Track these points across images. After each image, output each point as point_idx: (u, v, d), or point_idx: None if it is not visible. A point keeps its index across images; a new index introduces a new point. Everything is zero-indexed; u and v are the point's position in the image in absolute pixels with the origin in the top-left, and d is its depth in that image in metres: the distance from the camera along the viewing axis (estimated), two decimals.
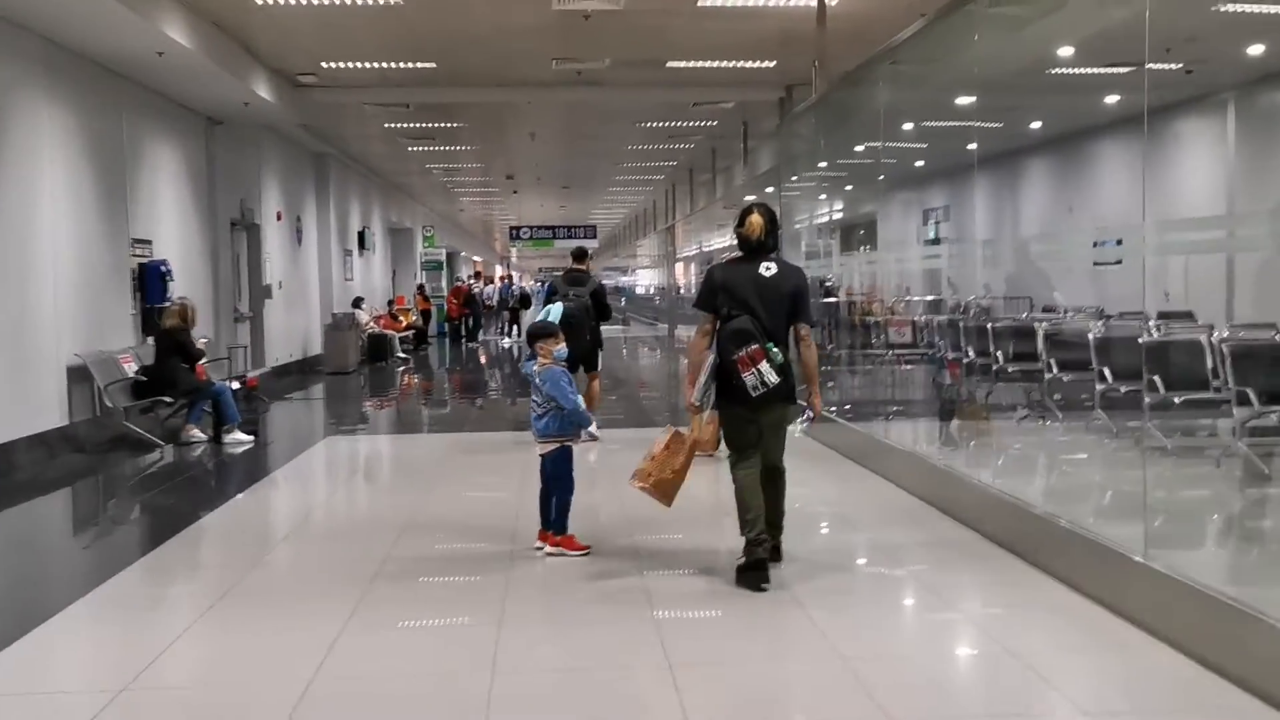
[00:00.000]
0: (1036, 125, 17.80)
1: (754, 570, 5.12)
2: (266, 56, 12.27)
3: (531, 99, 14.63)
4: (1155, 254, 5.69)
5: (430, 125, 17.39)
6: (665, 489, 5.40)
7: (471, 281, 30.62)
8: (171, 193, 12.72)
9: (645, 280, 59.62)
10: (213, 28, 10.68)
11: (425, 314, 26.22)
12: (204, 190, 13.84)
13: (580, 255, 10.34)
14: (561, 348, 5.96)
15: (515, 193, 29.51)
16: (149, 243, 11.83)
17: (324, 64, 12.64)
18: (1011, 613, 4.84)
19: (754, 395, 5.18)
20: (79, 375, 10.00)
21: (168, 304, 10.88)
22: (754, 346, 5.17)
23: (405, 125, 17.27)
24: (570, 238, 32.62)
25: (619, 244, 52.43)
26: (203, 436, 10.44)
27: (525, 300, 28.29)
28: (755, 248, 5.37)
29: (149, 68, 10.77)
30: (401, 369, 20.36)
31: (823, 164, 12.72)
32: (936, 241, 23.44)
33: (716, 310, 5.31)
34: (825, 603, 4.87)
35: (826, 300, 25.93)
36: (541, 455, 5.90)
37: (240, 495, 8.02)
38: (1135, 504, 4.97)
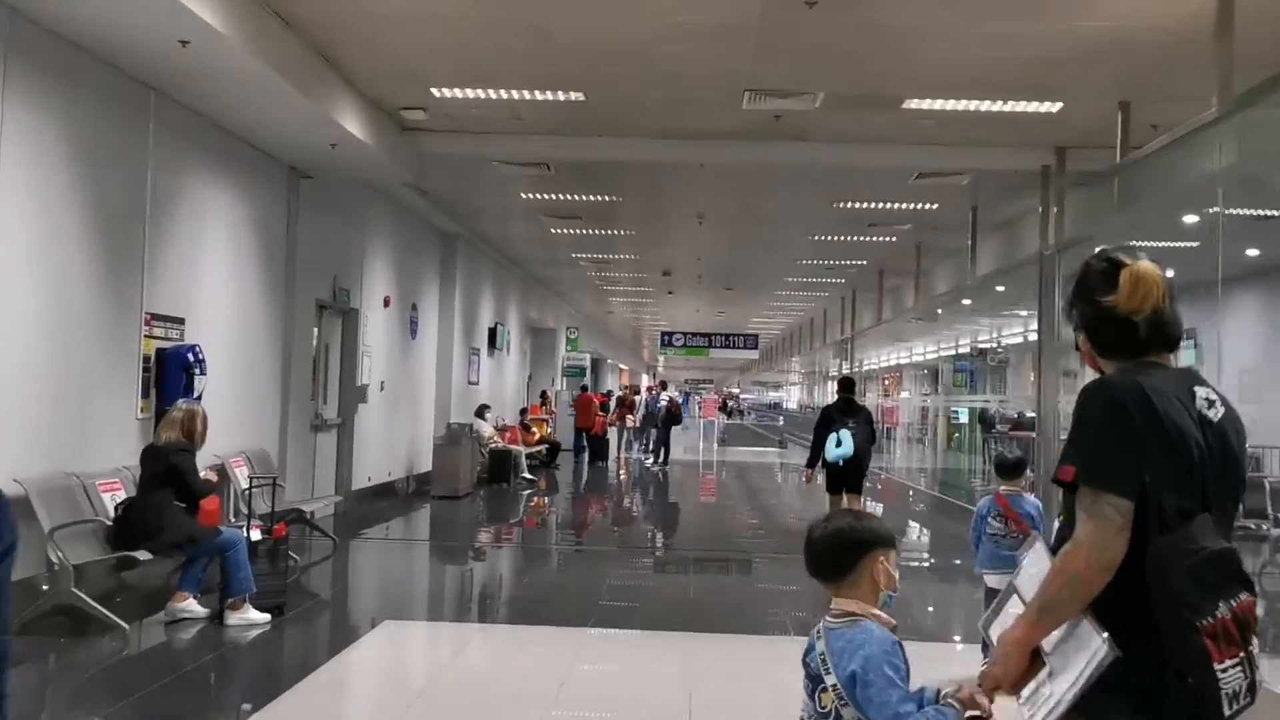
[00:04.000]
0: None
1: None
2: (356, 74, 9.04)
3: (708, 158, 11.08)
4: None
5: (578, 199, 14.06)
6: None
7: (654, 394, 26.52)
8: (225, 257, 9.52)
9: (814, 396, 55.44)
10: (263, 9, 7.45)
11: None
12: (279, 259, 10.64)
13: (849, 385, 11.03)
14: None
15: (670, 293, 26.10)
16: (179, 321, 8.56)
17: (435, 91, 9.34)
18: None
19: (1229, 713, 2.10)
20: (21, 511, 6.63)
21: (184, 406, 7.39)
22: (1245, 597, 2.16)
23: (547, 197, 13.98)
24: (728, 346, 29.24)
25: (775, 357, 48.60)
26: (200, 611, 6.93)
27: (676, 416, 24.47)
28: (1154, 341, 2.37)
29: (178, 71, 7.60)
30: (526, 493, 16.79)
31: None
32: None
33: (1144, 494, 2.18)
34: None
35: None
36: None
37: None
38: None
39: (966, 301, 20.32)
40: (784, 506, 18.17)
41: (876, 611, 2.40)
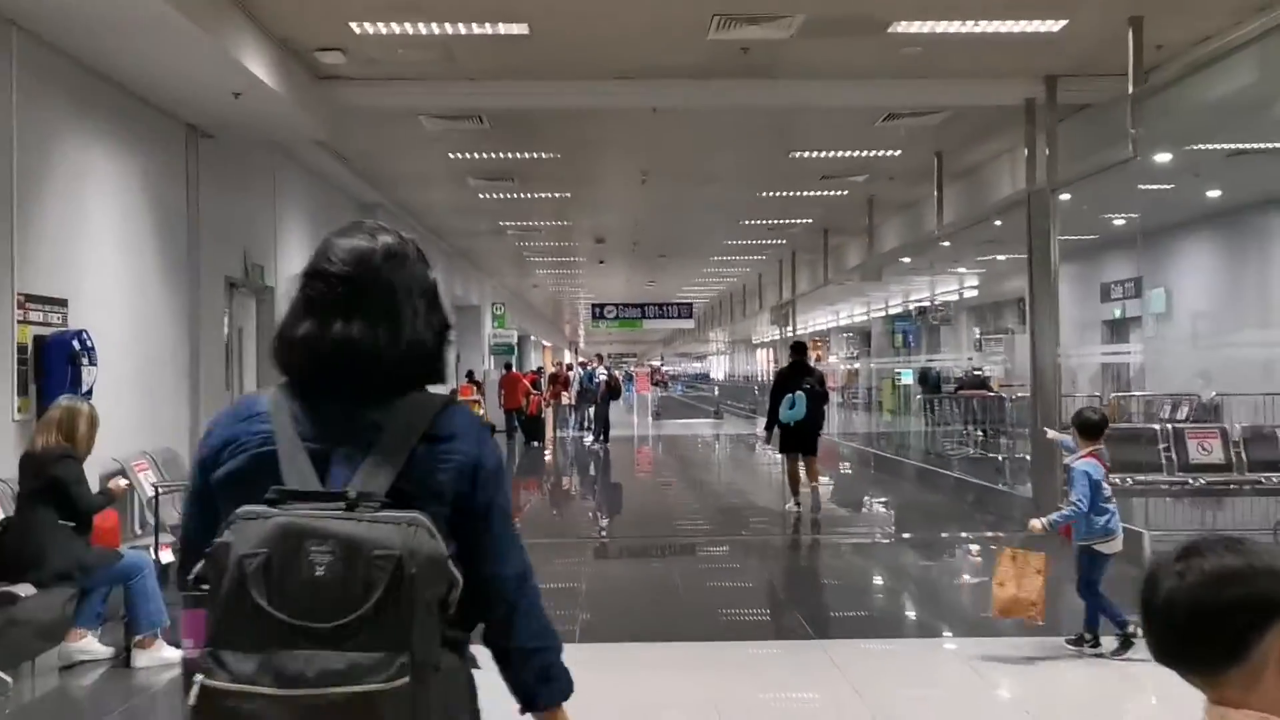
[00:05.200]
0: None
1: None
2: (261, 5, 7.72)
3: (663, 101, 9.94)
4: None
5: (511, 157, 12.83)
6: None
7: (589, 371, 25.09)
8: (115, 229, 8.16)
9: (739, 366, 54.86)
10: None
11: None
12: (180, 231, 9.28)
13: (802, 349, 11.64)
14: None
15: (601, 263, 24.95)
16: (61, 304, 7.20)
17: (355, 26, 8.07)
18: None
19: None
20: None
21: (64, 404, 6.04)
22: None
23: (477, 157, 12.73)
24: (663, 317, 28.27)
25: (704, 327, 47.70)
26: (101, 652, 5.70)
27: (616, 390, 23.34)
28: None
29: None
30: None
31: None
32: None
33: None
34: None
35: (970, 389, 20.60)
36: None
37: None
38: None
39: (905, 261, 19.52)
40: (743, 478, 17.30)
41: None
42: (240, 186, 10.58)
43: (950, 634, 6.72)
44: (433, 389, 1.82)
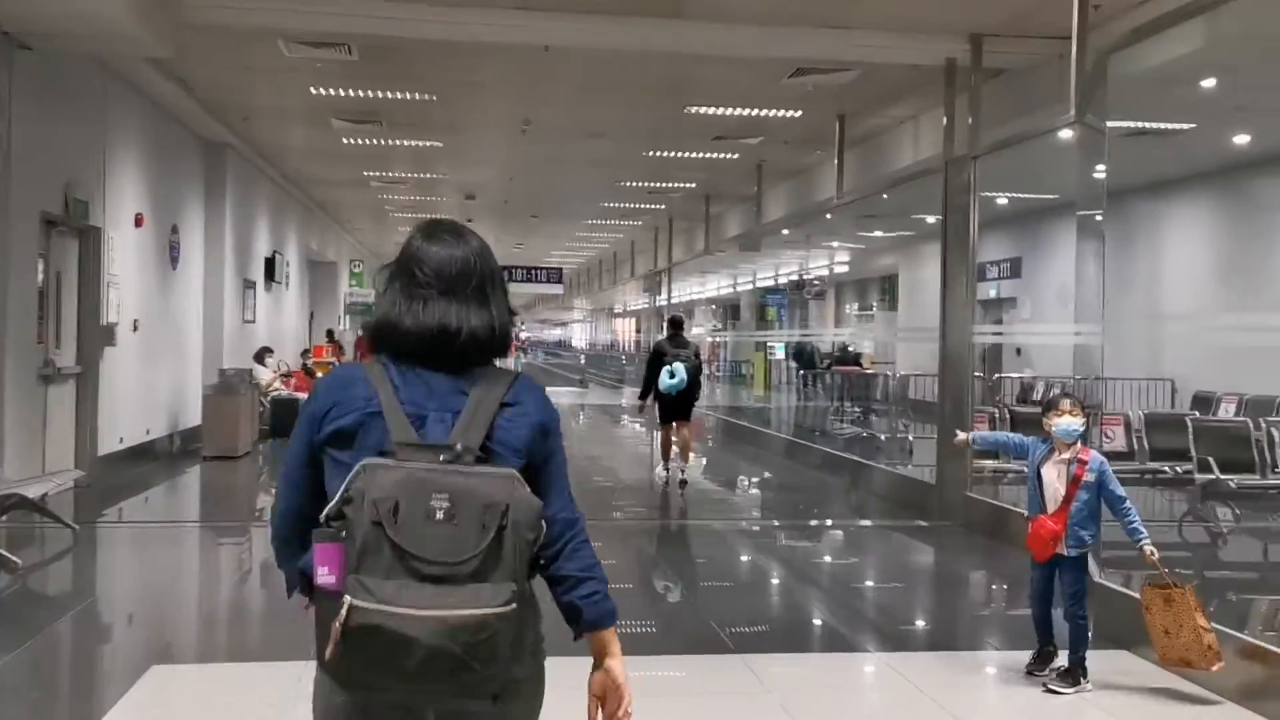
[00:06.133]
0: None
1: None
2: None
3: (559, 38, 8.92)
4: None
5: (380, 96, 11.59)
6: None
7: None
8: None
9: (600, 335, 54.04)
10: None
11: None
12: None
13: (679, 323, 11.86)
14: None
15: (470, 221, 23.56)
16: None
17: None
18: None
19: None
20: None
21: None
22: None
23: (343, 94, 11.45)
24: (531, 280, 27.21)
25: (571, 293, 46.66)
26: None
27: None
28: None
29: None
30: None
31: None
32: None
33: None
34: None
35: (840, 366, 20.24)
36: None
37: None
38: None
39: (785, 233, 18.99)
40: (626, 452, 16.53)
41: None
42: (64, 110, 9.16)
43: (873, 642, 6.00)
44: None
